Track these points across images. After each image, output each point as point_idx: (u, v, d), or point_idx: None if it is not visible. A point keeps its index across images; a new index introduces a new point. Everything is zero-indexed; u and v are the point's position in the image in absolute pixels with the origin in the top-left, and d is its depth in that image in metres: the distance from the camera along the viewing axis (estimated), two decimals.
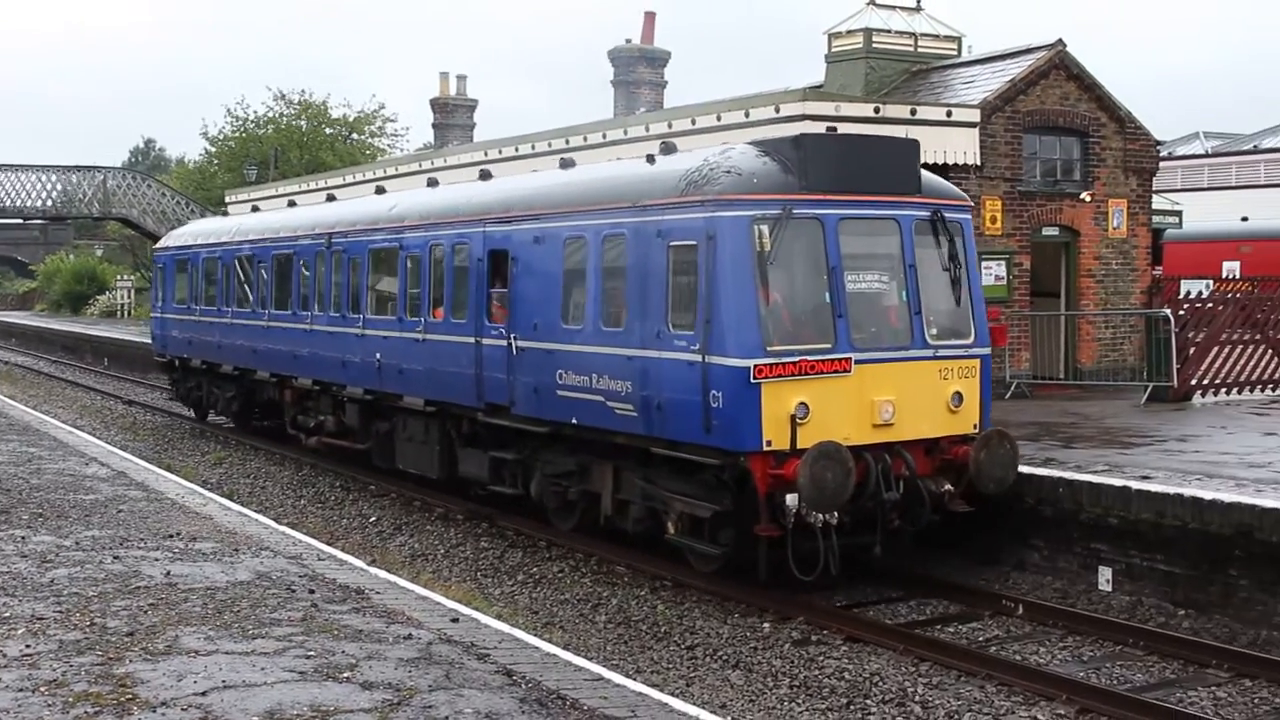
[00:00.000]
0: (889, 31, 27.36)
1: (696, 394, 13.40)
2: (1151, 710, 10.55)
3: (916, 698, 11.04)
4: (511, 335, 16.64)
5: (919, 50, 27.74)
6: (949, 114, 22.35)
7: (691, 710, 8.53)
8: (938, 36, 28.05)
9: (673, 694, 10.07)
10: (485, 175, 19.58)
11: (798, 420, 12.93)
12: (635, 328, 14.39)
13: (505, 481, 17.57)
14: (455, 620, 10.45)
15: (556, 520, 17.16)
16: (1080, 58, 24.50)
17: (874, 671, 11.72)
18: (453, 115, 49.91)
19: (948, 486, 13.80)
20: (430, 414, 19.19)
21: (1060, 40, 24.64)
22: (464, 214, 18.08)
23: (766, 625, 13.22)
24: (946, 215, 14.19)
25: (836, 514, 13.07)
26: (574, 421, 15.58)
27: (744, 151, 13.89)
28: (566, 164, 17.72)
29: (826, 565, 13.13)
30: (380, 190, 23.75)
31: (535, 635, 10.74)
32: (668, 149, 15.80)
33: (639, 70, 42.63)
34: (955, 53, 27.92)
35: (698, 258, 13.53)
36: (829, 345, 13.33)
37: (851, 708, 10.91)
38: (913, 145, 14.45)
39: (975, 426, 14.09)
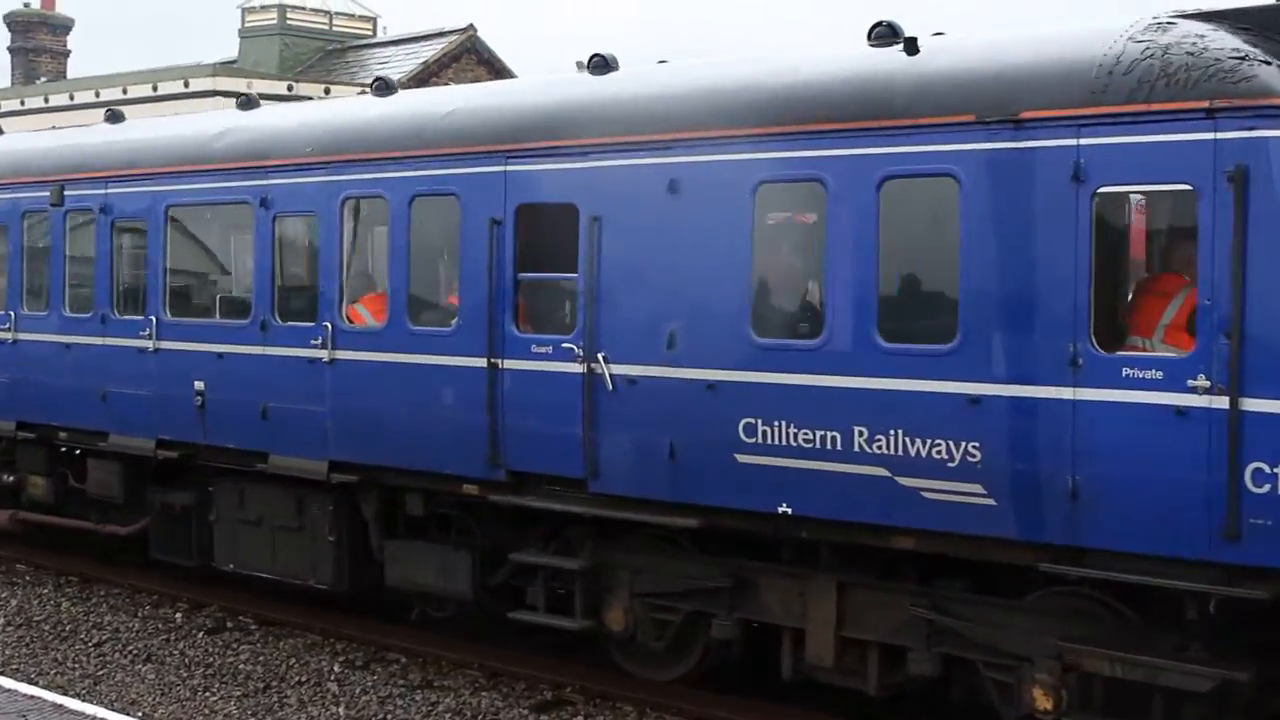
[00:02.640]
0: (303, 9, 28.20)
1: (1197, 470, 7.21)
2: None
3: (333, 677, 11.03)
4: (599, 355, 9.50)
5: (334, 29, 28.26)
6: (362, 93, 21.58)
7: (89, 709, 8.85)
8: (353, 16, 28.89)
9: (77, 695, 10.44)
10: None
11: None
12: (993, 342, 7.91)
13: (540, 602, 10.25)
14: None
15: (637, 666, 10.19)
16: (497, 41, 26.09)
17: (290, 654, 11.60)
18: None
19: None
20: (319, 486, 11.40)
21: (471, 25, 25.68)
22: (430, 144, 10.53)
23: (179, 615, 12.86)
24: None
25: None
26: (786, 510, 8.76)
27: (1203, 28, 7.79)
28: None
29: None
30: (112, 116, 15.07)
31: None
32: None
33: (40, 37, 36.75)
34: (370, 33, 28.62)
35: (1199, 213, 7.33)
36: None
37: (269, 692, 10.87)
38: None
39: None
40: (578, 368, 9.56)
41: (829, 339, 8.51)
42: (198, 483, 12.77)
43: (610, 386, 9.35)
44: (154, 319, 12.38)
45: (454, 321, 10.39)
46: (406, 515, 11.16)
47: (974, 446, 7.93)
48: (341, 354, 10.97)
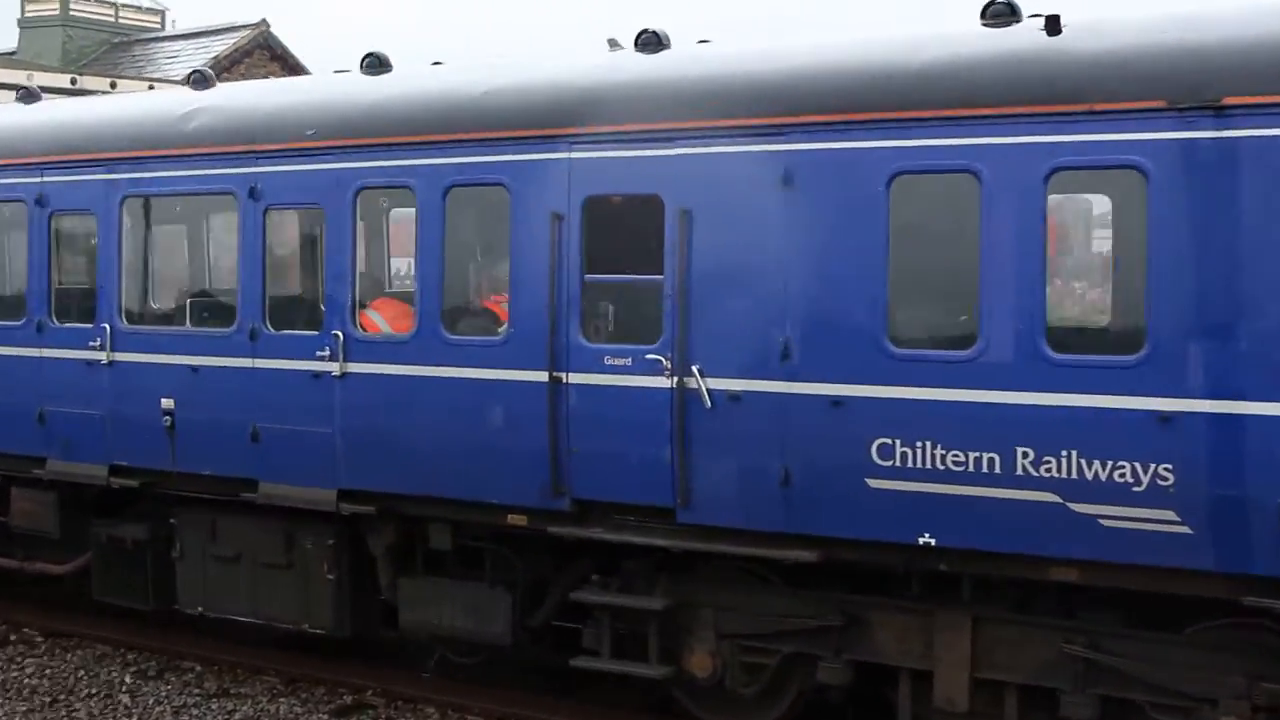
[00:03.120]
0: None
1: None
2: None
3: (124, 688, 10.80)
4: (693, 368, 8.36)
5: (120, 21, 27.90)
6: (151, 88, 20.50)
7: None
8: (140, 8, 28.61)
9: None
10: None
11: None
12: (1190, 353, 7.08)
13: (604, 646, 9.05)
14: None
15: (717, 714, 9.01)
16: (290, 38, 25.49)
17: (78, 666, 11.34)
18: None
19: None
20: (313, 518, 9.96)
21: (264, 20, 25.47)
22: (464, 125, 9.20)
23: None
24: None
25: None
26: (928, 541, 7.80)
27: None
28: None
29: None
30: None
31: None
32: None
33: None
34: (159, 26, 28.36)
35: None
36: None
37: (56, 706, 10.50)
38: None
39: None
40: (665, 382, 8.42)
41: (984, 349, 7.57)
42: (154, 514, 11.19)
43: (708, 403, 8.25)
44: (107, 327, 10.70)
45: (503, 330, 9.13)
46: (426, 550, 9.87)
47: (1165, 468, 7.14)
48: (356, 367, 9.55)
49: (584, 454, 8.73)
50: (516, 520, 9.18)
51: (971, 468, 7.57)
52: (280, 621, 10.44)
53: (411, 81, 9.77)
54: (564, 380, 8.76)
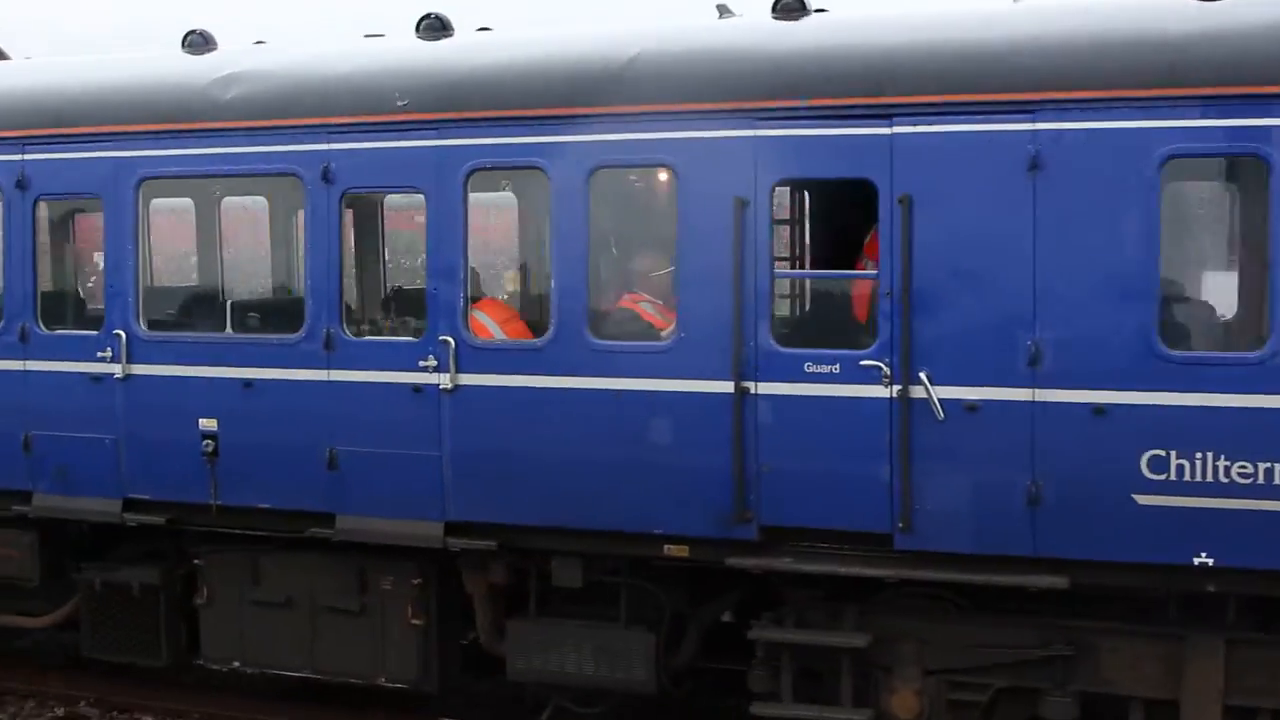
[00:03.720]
0: None
1: None
2: None
3: None
4: (921, 375, 7.34)
5: None
6: None
7: None
8: None
9: None
10: None
11: None
12: None
13: (786, 690, 7.92)
14: None
15: None
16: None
17: None
18: None
19: None
20: (392, 554, 8.53)
21: None
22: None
23: None
24: None
25: None
26: (1204, 562, 7.00)
27: None
28: None
29: None
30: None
31: None
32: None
33: None
34: None
35: None
36: None
37: None
38: None
39: None
40: (883, 391, 7.42)
41: (1278, 350, 6.91)
42: (163, 555, 9.46)
43: (940, 414, 7.29)
44: (121, 335, 8.91)
45: (669, 334, 7.93)
46: (540, 588, 8.56)
47: None
48: (470, 378, 8.16)
49: (777, 475, 7.64)
50: (676, 551, 8.01)
51: (1262, 480, 6.90)
52: (348, 675, 8.93)
53: (538, 45, 8.39)
54: (751, 390, 7.65)
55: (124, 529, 9.40)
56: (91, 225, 9.16)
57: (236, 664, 9.21)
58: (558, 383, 8.01)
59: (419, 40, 8.82)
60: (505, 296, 8.90)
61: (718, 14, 8.86)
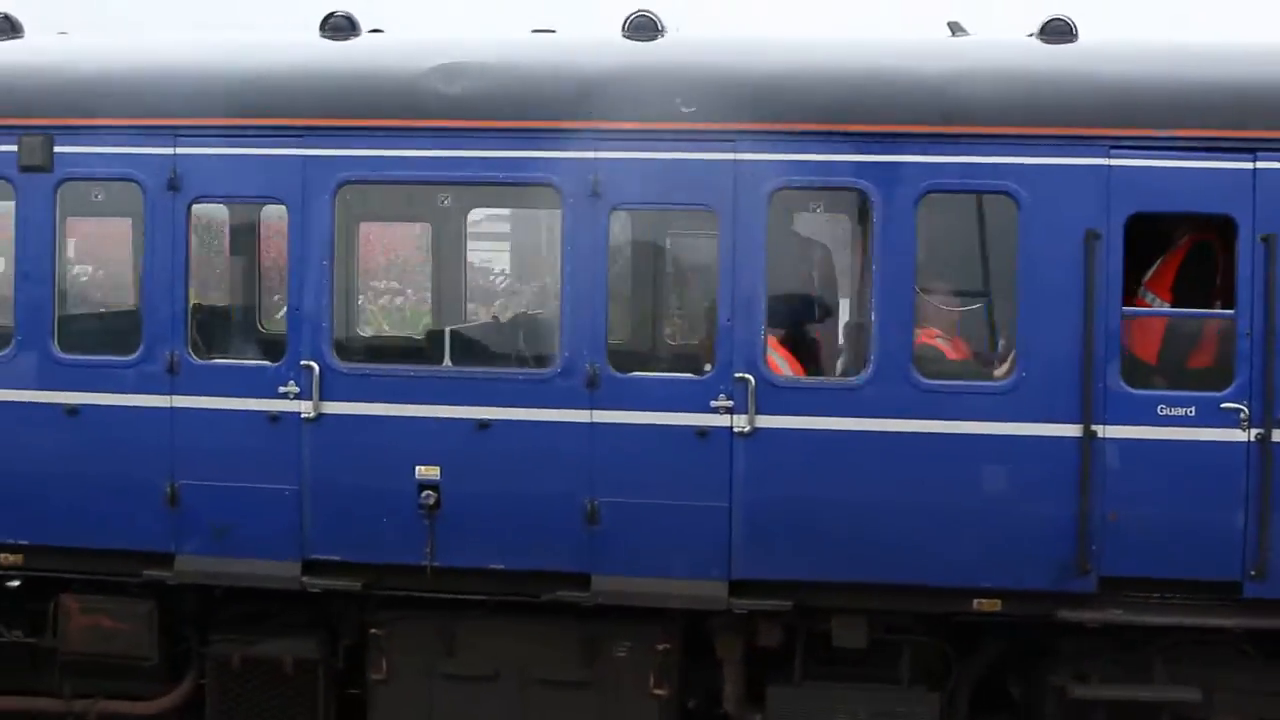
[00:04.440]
0: None
1: None
2: None
3: None
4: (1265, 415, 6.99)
5: None
6: None
7: None
8: None
9: None
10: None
11: None
12: None
13: None
14: None
15: None
16: None
17: None
18: None
19: None
20: (632, 616, 7.54)
21: None
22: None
23: None
24: None
25: None
26: None
27: None
28: None
29: None
30: None
31: None
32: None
33: None
34: None
35: None
36: None
37: None
38: None
39: None
40: (1240, 435, 7.13)
41: None
42: (313, 623, 8.03)
43: None
44: (313, 367, 7.50)
45: (1003, 373, 7.34)
46: (807, 648, 7.76)
47: None
48: (769, 420, 7.31)
49: (1123, 523, 7.22)
50: (987, 606, 7.45)
51: None
52: None
53: (856, 54, 7.61)
54: (1099, 434, 7.21)
55: (244, 594, 7.99)
56: (270, 235, 7.69)
57: None
58: (877, 425, 7.30)
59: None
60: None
61: (950, 32, 8.42)
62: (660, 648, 7.80)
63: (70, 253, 7.79)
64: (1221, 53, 7.61)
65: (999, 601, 7.45)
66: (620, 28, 7.75)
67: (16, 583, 8.31)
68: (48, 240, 7.77)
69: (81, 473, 7.78)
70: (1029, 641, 7.80)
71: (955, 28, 8.46)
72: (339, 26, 8.10)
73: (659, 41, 7.77)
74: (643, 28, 7.72)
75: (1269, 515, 7.15)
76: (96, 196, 8.22)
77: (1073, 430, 7.21)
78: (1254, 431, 7.17)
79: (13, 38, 8.45)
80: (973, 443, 7.30)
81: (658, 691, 7.82)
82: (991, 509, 7.32)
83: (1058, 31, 7.73)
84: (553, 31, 8.46)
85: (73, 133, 7.74)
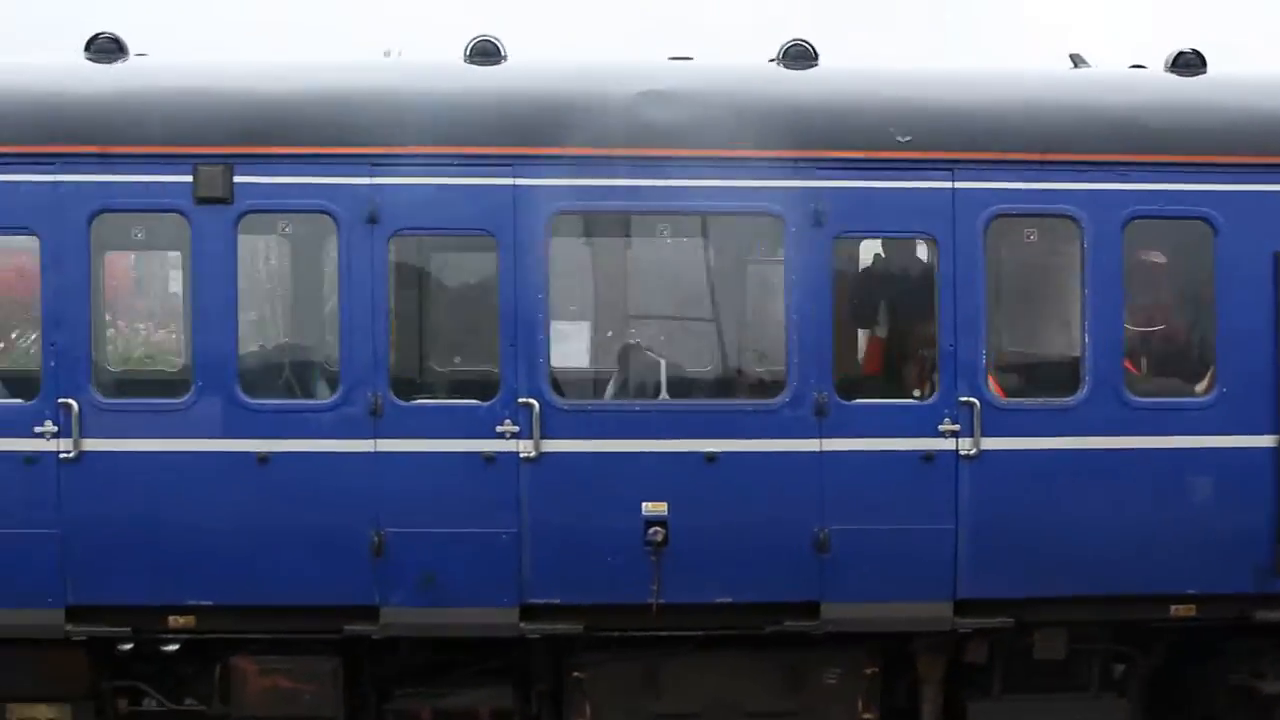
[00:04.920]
0: None
1: None
2: None
3: None
4: None
5: None
6: None
7: None
8: None
9: None
10: None
11: None
12: None
13: None
14: None
15: None
16: None
17: None
18: None
19: None
20: (833, 643, 7.57)
21: None
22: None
23: None
24: None
25: None
26: None
27: None
28: None
29: None
30: None
31: None
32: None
33: None
34: None
35: None
36: None
37: None
38: None
39: None
40: None
41: None
42: (505, 670, 7.68)
43: None
44: (533, 405, 7.17)
45: (1204, 389, 7.68)
46: (1004, 664, 7.93)
47: None
48: (994, 443, 7.44)
49: None
50: (1183, 611, 7.80)
51: None
52: None
53: (1077, 85, 7.84)
54: None
55: (421, 644, 7.62)
56: (476, 266, 7.29)
57: None
58: (1091, 443, 7.55)
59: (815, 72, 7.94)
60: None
61: (1072, 64, 8.78)
62: (868, 672, 7.85)
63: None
64: None
65: (1194, 606, 7.85)
66: (777, 57, 7.80)
67: (175, 647, 7.66)
68: (229, 274, 7.20)
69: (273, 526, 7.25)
70: (1194, 645, 8.26)
71: (1077, 60, 8.85)
72: None
73: (880, 73, 7.88)
74: (799, 56, 7.78)
75: None
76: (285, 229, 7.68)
77: (1268, 441, 7.66)
78: None
79: (117, 58, 7.78)
80: (1177, 456, 7.67)
81: (866, 716, 7.87)
82: (1194, 518, 7.68)
83: (1188, 65, 8.20)
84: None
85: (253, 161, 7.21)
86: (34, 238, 7.19)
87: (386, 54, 8.59)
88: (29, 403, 7.23)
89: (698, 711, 7.77)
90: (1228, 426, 7.66)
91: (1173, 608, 7.83)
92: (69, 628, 7.24)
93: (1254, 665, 8.14)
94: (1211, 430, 7.65)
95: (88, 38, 7.69)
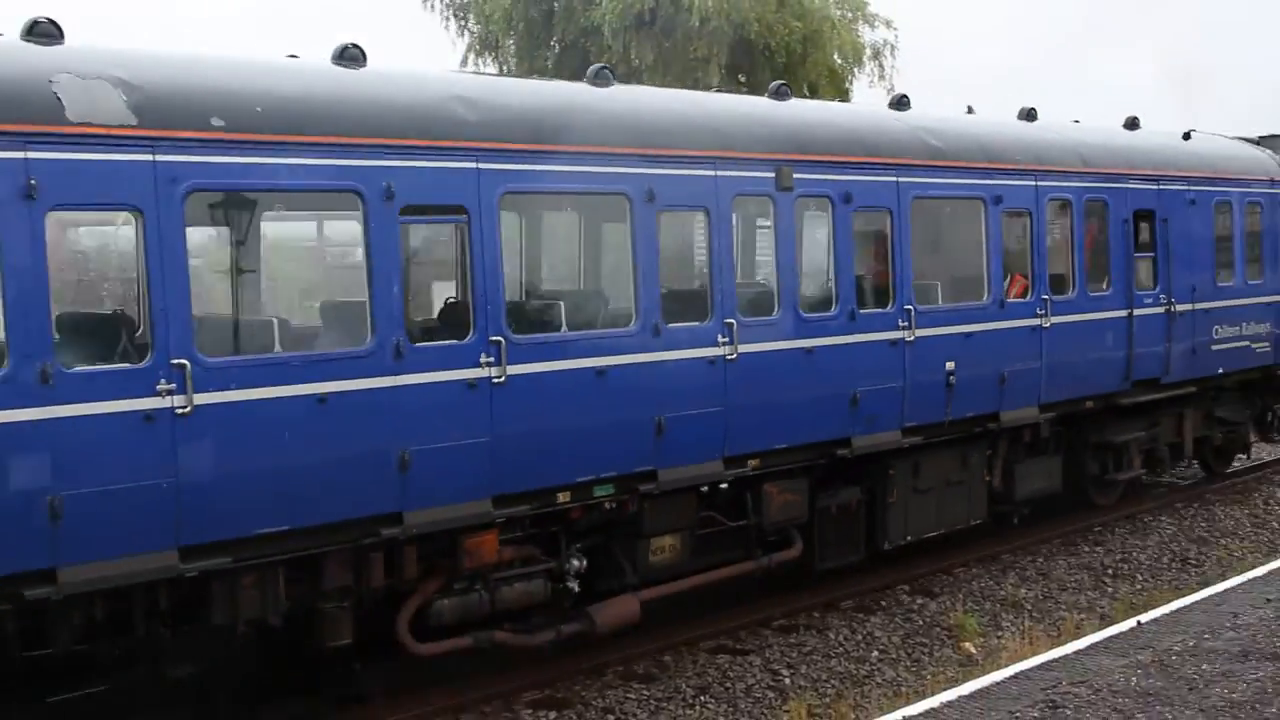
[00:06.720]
0: None
1: None
2: None
3: None
4: (1169, 301, 15.18)
5: None
6: None
7: None
8: None
9: None
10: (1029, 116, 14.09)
11: None
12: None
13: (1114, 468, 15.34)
14: None
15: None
16: None
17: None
18: None
19: None
20: (979, 441, 13.55)
21: None
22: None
23: None
24: None
25: None
26: (1219, 371, 16.28)
27: None
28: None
29: None
30: None
31: None
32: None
33: None
34: None
35: None
36: None
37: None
38: None
39: None
40: (1159, 310, 15.34)
41: (1236, 283, 16.64)
42: (856, 475, 12.46)
43: (1171, 319, 15.51)
44: (910, 309, 12.12)
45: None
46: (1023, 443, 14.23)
47: (1266, 325, 17.33)
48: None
49: (1138, 355, 15.01)
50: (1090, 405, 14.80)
51: (1231, 335, 16.72)
52: (952, 526, 13.39)
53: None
54: (1133, 315, 14.90)
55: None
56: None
57: (908, 537, 12.88)
58: None
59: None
60: None
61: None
62: (987, 454, 13.84)
63: None
64: None
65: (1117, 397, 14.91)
66: None
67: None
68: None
69: None
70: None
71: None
72: None
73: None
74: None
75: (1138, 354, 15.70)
76: None
77: (1124, 312, 14.94)
78: (1172, 307, 15.63)
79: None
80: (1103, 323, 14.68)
81: (986, 478, 13.85)
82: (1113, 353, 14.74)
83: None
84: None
85: None
86: None
87: None
88: None
89: (928, 488, 13.09)
90: None
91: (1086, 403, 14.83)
92: None
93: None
94: None
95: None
